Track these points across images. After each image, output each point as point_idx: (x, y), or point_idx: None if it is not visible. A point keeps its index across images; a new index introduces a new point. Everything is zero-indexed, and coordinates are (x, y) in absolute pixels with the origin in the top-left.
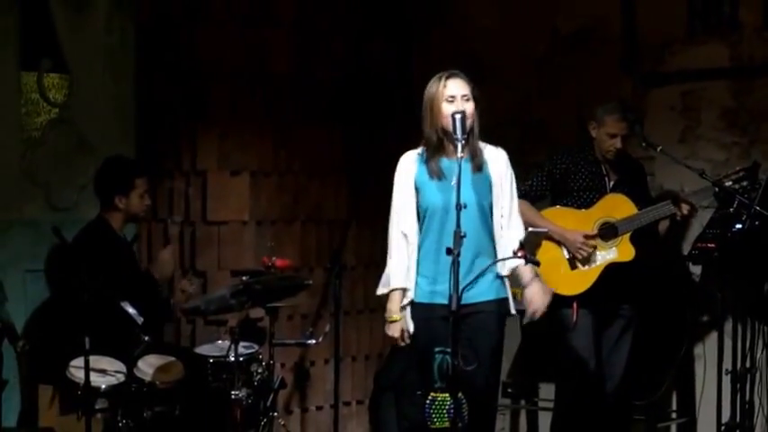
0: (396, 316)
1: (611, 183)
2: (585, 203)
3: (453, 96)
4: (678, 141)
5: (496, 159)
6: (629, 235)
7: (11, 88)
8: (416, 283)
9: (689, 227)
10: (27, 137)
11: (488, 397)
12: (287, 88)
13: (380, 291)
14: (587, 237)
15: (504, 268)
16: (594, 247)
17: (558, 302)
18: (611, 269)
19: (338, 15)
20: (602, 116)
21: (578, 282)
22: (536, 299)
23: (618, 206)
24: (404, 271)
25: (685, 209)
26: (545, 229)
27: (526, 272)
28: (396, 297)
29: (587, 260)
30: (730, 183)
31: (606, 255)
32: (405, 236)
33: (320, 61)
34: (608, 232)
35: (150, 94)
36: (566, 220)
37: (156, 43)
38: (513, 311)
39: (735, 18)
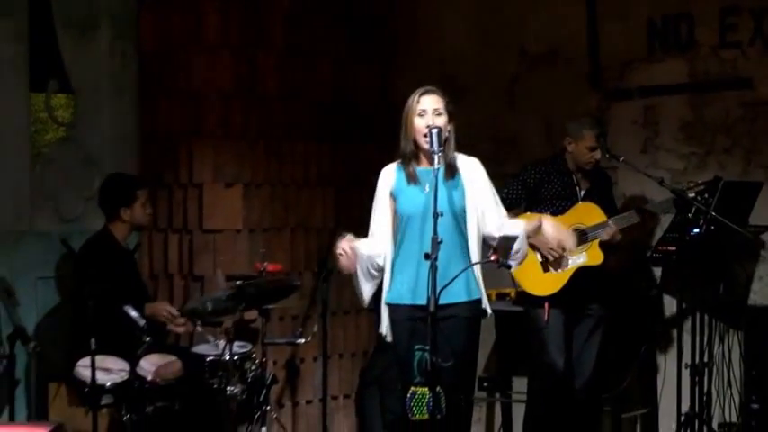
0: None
1: (582, 192)
2: (558, 211)
3: (425, 110)
4: (640, 152)
5: (470, 167)
6: (598, 240)
7: (21, 108)
8: (396, 284)
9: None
10: (36, 153)
11: (465, 391)
12: (277, 108)
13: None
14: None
15: (513, 256)
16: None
17: (531, 303)
18: (581, 272)
19: (324, 41)
20: (581, 131)
21: (550, 283)
22: (553, 233)
23: (589, 214)
24: (366, 242)
25: (649, 218)
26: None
27: (526, 226)
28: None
29: (558, 263)
30: (693, 194)
31: (577, 259)
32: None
33: (307, 83)
34: (579, 238)
35: (150, 112)
36: None
37: (156, 66)
38: (489, 311)
39: (691, 37)
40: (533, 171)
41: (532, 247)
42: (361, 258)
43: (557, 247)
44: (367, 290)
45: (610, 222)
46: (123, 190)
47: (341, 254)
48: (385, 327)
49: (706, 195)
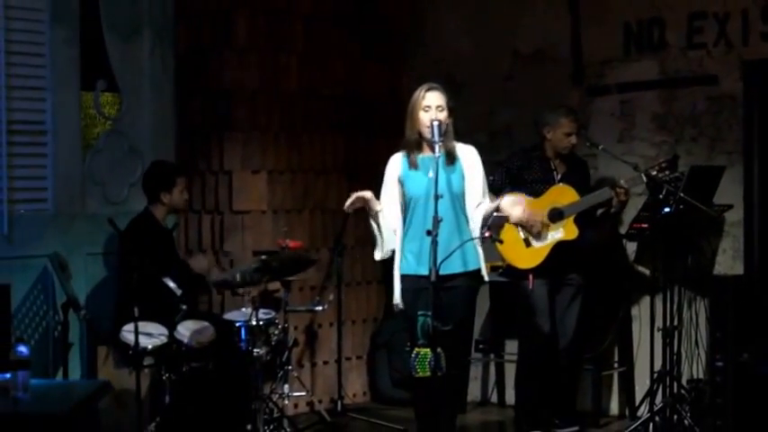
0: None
1: (559, 176)
2: (538, 193)
3: (429, 106)
4: (617, 141)
5: (467, 154)
6: (573, 217)
7: (73, 105)
8: (405, 258)
9: (626, 211)
10: (87, 145)
11: (463, 352)
12: (297, 103)
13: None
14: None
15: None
16: (544, 224)
17: (517, 275)
18: (559, 246)
19: (339, 44)
20: (559, 119)
21: (533, 257)
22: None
23: (564, 194)
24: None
25: (621, 193)
26: (506, 215)
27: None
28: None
29: (539, 237)
30: (655, 172)
31: (554, 234)
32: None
33: (324, 81)
34: (556, 216)
35: (186, 108)
36: None
37: (191, 67)
38: (486, 279)
39: (663, 39)
40: (515, 158)
41: (516, 224)
42: (384, 216)
43: (531, 217)
44: (385, 244)
45: (607, 188)
46: (164, 176)
47: (355, 197)
48: (397, 296)
49: (667, 172)
